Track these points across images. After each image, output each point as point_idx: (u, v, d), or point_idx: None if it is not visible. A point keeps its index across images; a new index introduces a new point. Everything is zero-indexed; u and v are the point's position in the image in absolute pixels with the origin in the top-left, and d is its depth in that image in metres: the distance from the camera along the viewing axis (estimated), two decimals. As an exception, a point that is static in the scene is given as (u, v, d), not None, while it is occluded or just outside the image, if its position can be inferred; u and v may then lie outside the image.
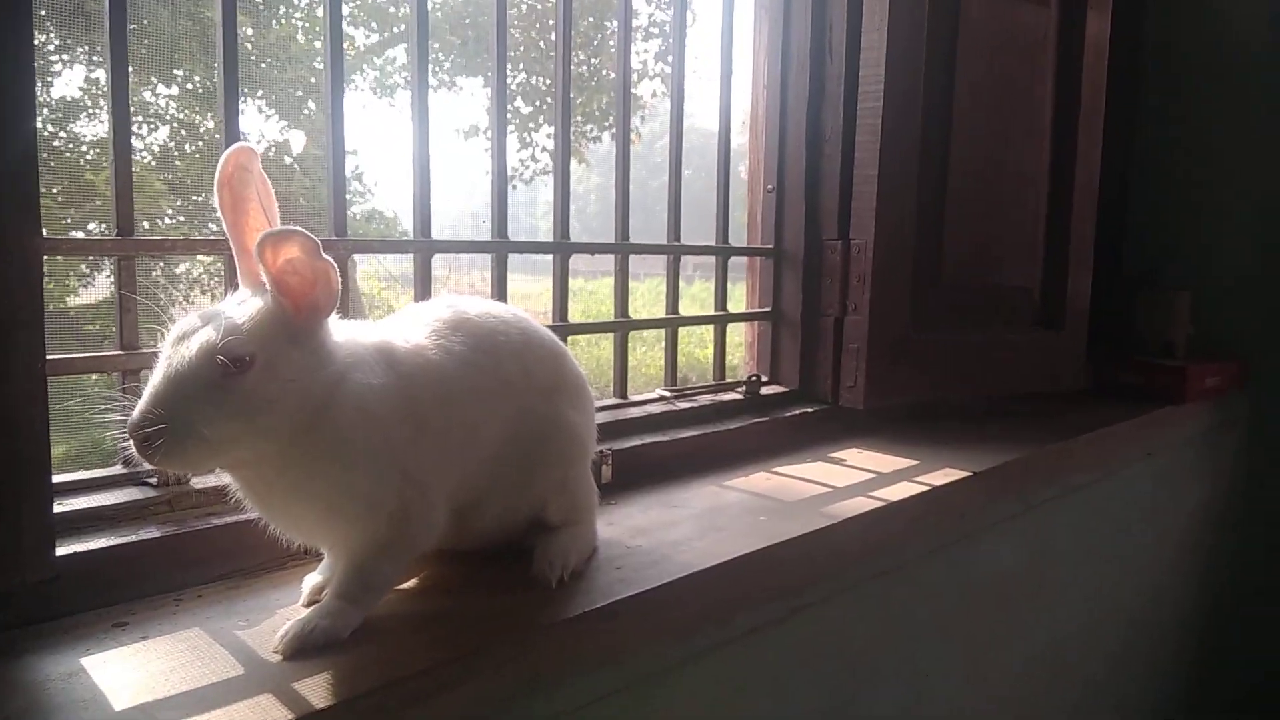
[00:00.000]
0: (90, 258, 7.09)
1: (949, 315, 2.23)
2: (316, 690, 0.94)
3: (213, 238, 1.34)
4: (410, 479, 1.10)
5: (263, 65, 8.51)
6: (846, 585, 1.66)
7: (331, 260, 1.02)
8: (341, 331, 1.11)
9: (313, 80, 9.61)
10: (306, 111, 9.30)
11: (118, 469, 1.25)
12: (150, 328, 1.14)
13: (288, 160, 9.70)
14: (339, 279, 1.05)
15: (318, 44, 9.78)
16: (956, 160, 2.19)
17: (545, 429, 1.28)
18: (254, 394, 0.98)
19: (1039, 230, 2.44)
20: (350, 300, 1.44)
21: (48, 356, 1.03)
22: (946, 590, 1.94)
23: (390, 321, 1.24)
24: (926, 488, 1.75)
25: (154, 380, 0.97)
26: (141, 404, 0.95)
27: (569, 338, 1.73)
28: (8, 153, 0.96)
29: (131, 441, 0.94)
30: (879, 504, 1.63)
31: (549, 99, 12.72)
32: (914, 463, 1.92)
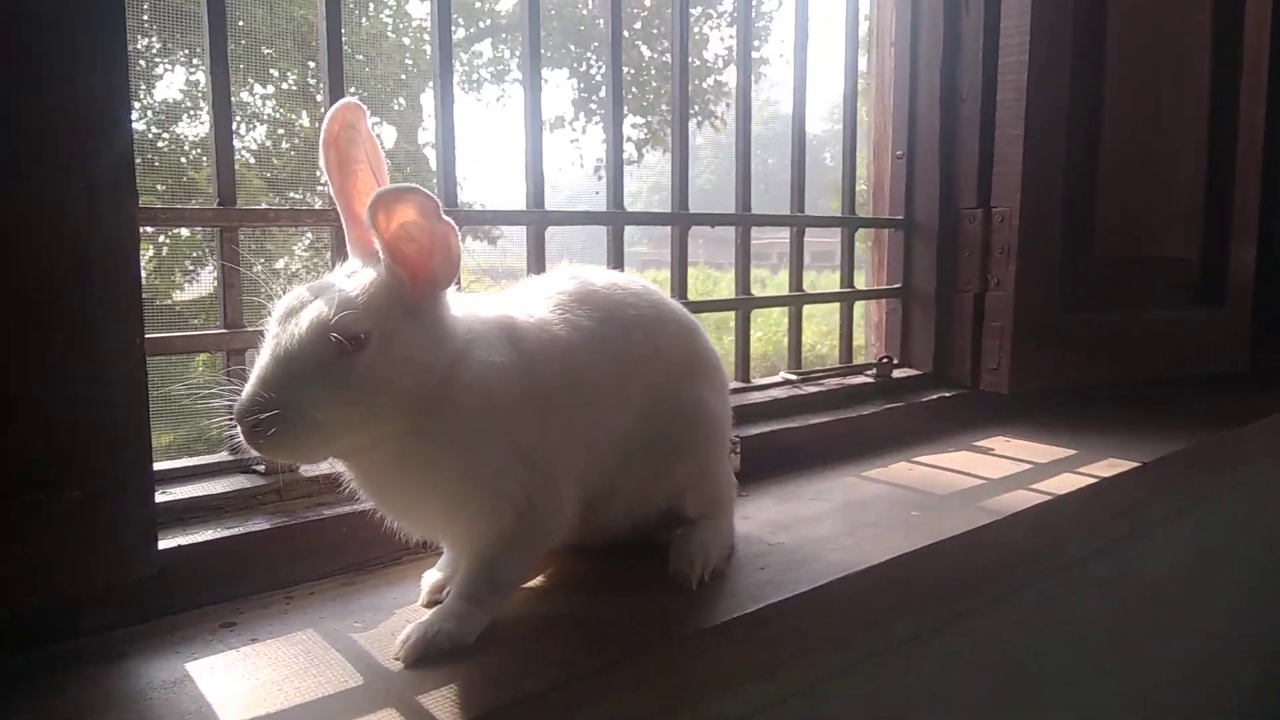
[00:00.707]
0: (195, 253, 7.23)
1: (1101, 290, 2.02)
2: (443, 704, 0.83)
3: (318, 208, 1.25)
4: (536, 467, 0.98)
5: (357, 59, 8.60)
6: (1010, 588, 1.48)
7: (452, 223, 0.90)
8: (460, 305, 0.99)
9: (403, 77, 9.70)
10: (397, 106, 9.39)
11: (223, 455, 1.17)
12: (252, 299, 1.04)
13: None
14: (460, 245, 0.93)
15: (405, 40, 9.86)
16: (1109, 119, 1.98)
17: (680, 413, 1.14)
18: (370, 374, 0.87)
19: (1197, 196, 2.21)
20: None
21: (147, 335, 0.94)
22: (1111, 593, 1.75)
23: (510, 294, 1.12)
24: (1093, 480, 1.56)
25: (261, 361, 0.87)
26: (249, 387, 0.85)
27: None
28: (102, 127, 0.86)
29: (239, 428, 0.84)
30: (1044, 498, 1.45)
31: (633, 88, 12.64)
32: (1071, 452, 1.73)
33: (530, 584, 1.10)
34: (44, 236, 0.83)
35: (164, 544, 0.98)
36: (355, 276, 0.92)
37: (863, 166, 2.12)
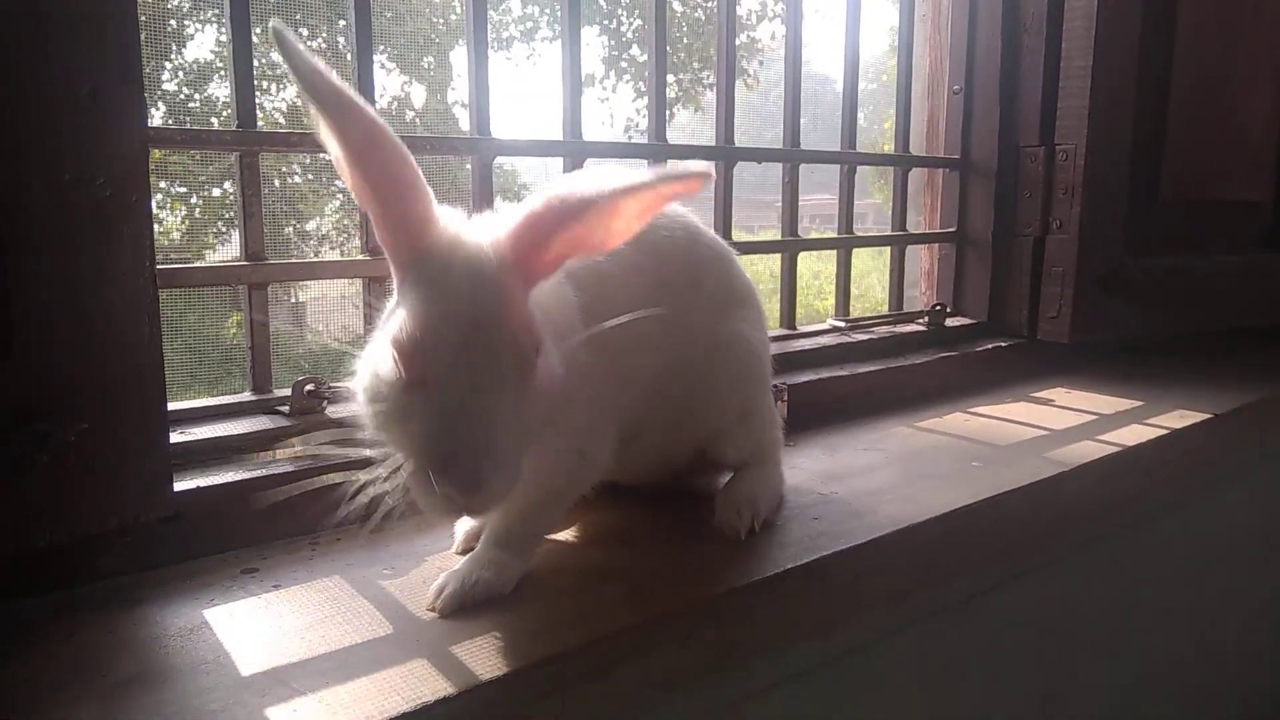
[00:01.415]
0: (227, 214, 7.23)
1: (1168, 234, 1.91)
2: (479, 656, 0.76)
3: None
4: (593, 408, 0.91)
5: (386, 16, 8.49)
6: (1076, 543, 1.40)
7: None
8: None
9: (432, 36, 9.57)
10: (426, 64, 9.28)
11: (245, 395, 1.10)
12: (272, 230, 0.97)
13: (409, 115, 9.73)
14: None
15: (436, -2, 9.71)
16: (1181, 52, 1.85)
17: (717, 349, 1.05)
18: (548, 373, 0.77)
19: (1271, 136, 2.07)
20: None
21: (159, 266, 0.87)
22: (1178, 551, 1.66)
23: None
24: (1164, 431, 1.47)
25: (453, 400, 0.70)
26: (452, 437, 0.70)
27: (732, 259, 1.51)
28: (105, 26, 0.79)
29: (441, 494, 0.70)
30: (1113, 449, 1.37)
31: (667, 45, 12.44)
32: (1137, 403, 1.64)
33: (569, 535, 1.03)
34: (45, 149, 0.76)
35: (181, 485, 0.92)
36: (478, 262, 0.75)
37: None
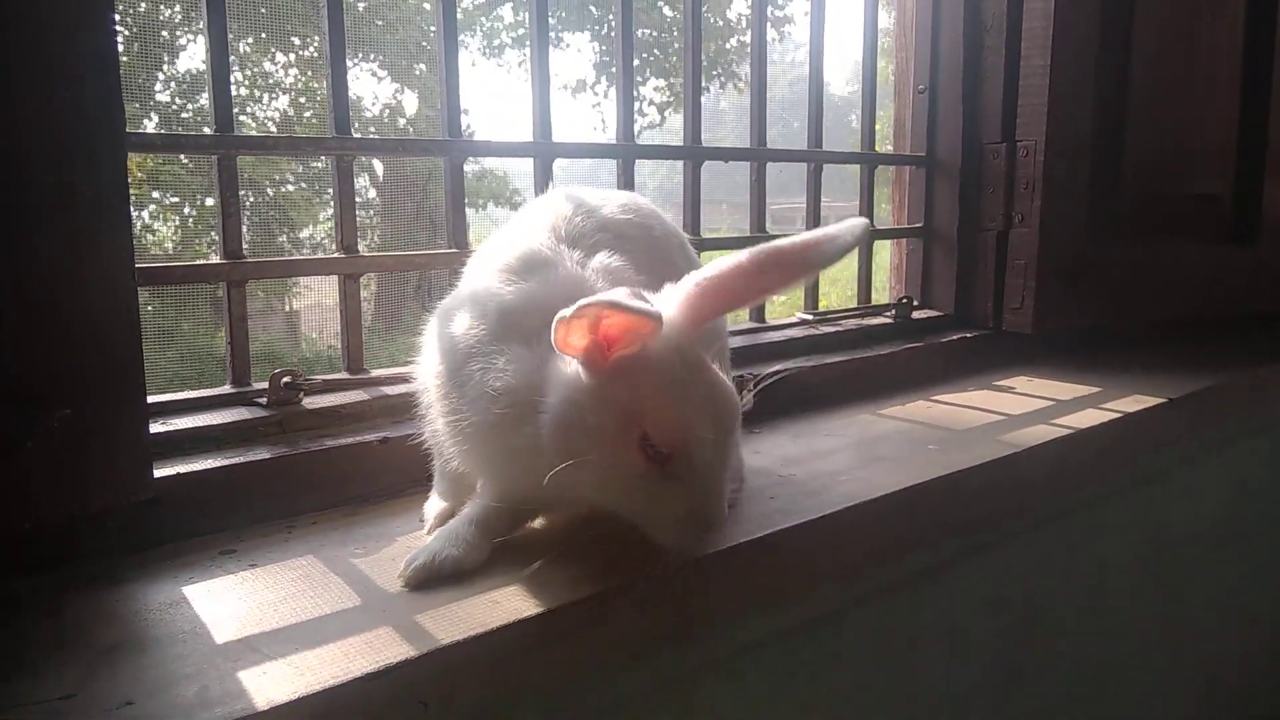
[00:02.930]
0: (214, 220, 7.34)
1: (1129, 227, 1.96)
2: (441, 624, 0.81)
3: (315, 137, 1.22)
4: None
5: (377, 24, 8.54)
6: (1030, 523, 1.45)
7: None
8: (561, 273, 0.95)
9: (424, 44, 9.64)
10: (418, 71, 9.34)
11: (224, 388, 1.15)
12: (253, 229, 1.02)
13: (401, 122, 9.79)
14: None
15: (426, 5, 9.79)
16: (1139, 48, 1.91)
17: None
18: None
19: (1229, 131, 2.13)
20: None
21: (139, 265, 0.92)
22: (1138, 532, 1.71)
23: (536, 227, 1.06)
24: (1117, 415, 1.52)
25: (714, 478, 0.85)
26: (717, 507, 0.86)
27: (700, 255, 1.57)
28: (84, 29, 0.84)
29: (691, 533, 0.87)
30: (1065, 431, 1.42)
31: (655, 50, 12.53)
32: (1095, 390, 1.69)
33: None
34: (39, 154, 0.82)
35: (162, 471, 0.97)
36: (699, 357, 0.88)
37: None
